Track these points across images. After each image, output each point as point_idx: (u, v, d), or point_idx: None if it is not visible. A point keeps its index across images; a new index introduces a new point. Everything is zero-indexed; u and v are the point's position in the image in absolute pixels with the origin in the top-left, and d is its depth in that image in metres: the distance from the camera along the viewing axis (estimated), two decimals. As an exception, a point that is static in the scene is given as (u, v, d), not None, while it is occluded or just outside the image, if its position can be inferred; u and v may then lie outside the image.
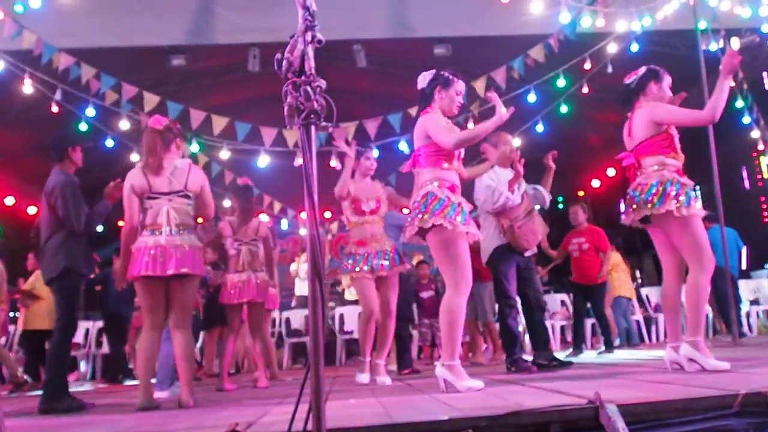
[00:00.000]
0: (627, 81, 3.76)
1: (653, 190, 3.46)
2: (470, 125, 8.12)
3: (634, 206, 3.55)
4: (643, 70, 3.74)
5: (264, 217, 6.19)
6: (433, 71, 3.62)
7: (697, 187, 3.57)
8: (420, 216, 3.37)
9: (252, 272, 5.43)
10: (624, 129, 3.74)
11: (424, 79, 3.63)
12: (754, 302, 9.73)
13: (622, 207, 14.40)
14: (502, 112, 3.35)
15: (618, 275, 8.47)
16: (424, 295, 7.90)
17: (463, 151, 3.56)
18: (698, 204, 3.46)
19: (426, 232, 3.41)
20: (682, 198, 3.40)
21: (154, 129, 3.96)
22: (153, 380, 4.30)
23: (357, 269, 4.79)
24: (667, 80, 3.71)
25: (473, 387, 3.23)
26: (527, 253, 4.99)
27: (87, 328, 9.38)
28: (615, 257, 8.44)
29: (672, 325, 3.64)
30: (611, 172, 11.81)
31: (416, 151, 3.55)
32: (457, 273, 3.36)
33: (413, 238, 3.51)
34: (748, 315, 9.49)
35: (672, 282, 3.65)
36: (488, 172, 4.86)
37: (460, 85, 3.60)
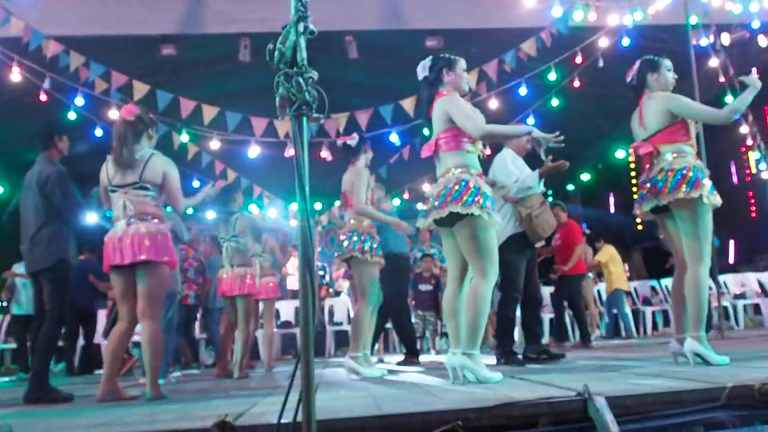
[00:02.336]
0: (628, 79, 3.78)
1: (679, 176, 3.42)
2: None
3: (656, 192, 3.50)
4: (637, 64, 3.75)
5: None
6: (430, 57, 3.58)
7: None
8: (455, 203, 3.26)
9: (232, 268, 5.59)
10: (633, 120, 3.76)
11: (424, 68, 3.57)
12: (741, 296, 9.81)
13: (611, 200, 14.52)
14: (534, 131, 3.38)
15: (615, 269, 8.59)
16: (422, 288, 7.91)
17: None
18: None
19: (454, 220, 3.32)
20: (708, 185, 3.42)
21: (125, 120, 3.86)
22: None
23: (378, 255, 4.69)
24: (665, 65, 3.71)
25: (492, 378, 3.17)
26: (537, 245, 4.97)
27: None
28: (610, 250, 8.59)
29: (678, 318, 3.62)
30: (601, 165, 11.86)
31: (437, 137, 3.45)
32: (487, 262, 3.31)
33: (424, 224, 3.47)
34: (734, 309, 9.58)
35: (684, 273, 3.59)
36: (508, 158, 4.81)
37: (463, 63, 3.57)
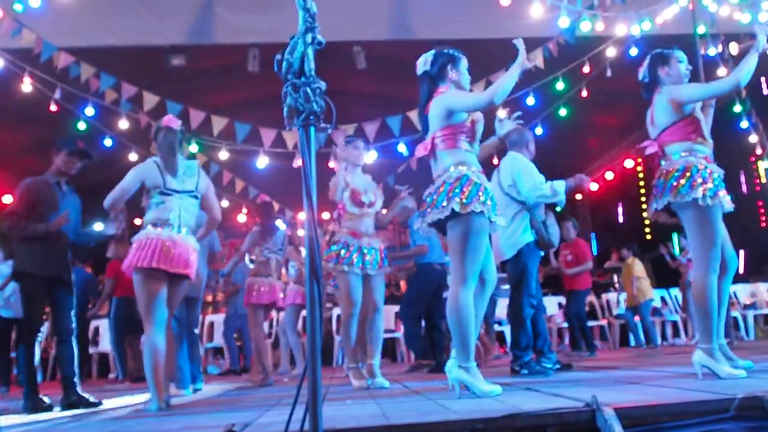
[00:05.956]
0: (639, 77, 3.60)
1: (678, 176, 3.26)
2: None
3: (656, 196, 3.35)
4: (648, 59, 3.57)
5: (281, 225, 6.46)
6: (432, 52, 3.45)
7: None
8: (457, 199, 3.12)
9: (276, 279, 5.97)
10: (647, 117, 3.57)
11: (425, 62, 3.43)
12: (751, 306, 9.74)
13: (620, 210, 14.47)
14: (524, 57, 3.22)
15: (646, 281, 8.77)
16: None
17: (480, 131, 3.37)
18: (724, 197, 3.28)
19: (452, 219, 3.16)
20: (709, 186, 3.21)
21: (173, 129, 4.01)
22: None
23: (347, 264, 4.46)
24: (677, 56, 3.50)
25: (491, 392, 3.04)
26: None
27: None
28: (638, 265, 8.68)
29: None
30: (609, 175, 11.82)
31: (434, 135, 3.31)
32: (470, 267, 3.15)
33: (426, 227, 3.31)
34: (745, 319, 9.50)
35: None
36: (522, 161, 4.76)
37: (465, 61, 3.46)
